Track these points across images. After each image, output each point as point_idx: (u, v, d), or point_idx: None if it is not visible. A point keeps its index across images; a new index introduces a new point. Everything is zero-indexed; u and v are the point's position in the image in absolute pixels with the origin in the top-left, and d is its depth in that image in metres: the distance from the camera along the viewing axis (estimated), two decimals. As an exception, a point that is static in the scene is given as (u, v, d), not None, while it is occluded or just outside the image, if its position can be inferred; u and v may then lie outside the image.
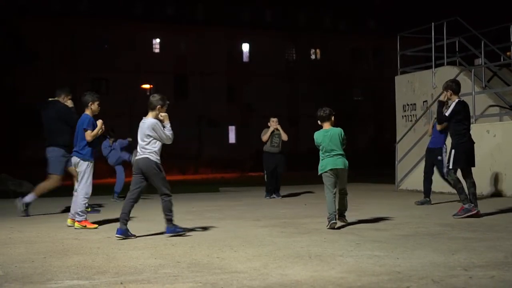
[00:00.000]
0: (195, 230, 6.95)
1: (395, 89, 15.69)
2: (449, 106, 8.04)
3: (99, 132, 7.71)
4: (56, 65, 42.45)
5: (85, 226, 7.41)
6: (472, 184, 8.03)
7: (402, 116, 15.29)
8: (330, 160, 7.00)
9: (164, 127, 6.58)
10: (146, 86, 38.74)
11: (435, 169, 10.09)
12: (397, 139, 14.78)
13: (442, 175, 9.88)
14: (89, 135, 7.56)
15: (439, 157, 9.94)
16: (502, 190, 11.20)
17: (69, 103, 9.19)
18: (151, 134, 6.52)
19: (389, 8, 50.88)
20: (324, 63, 50.69)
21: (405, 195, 12.09)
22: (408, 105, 15.06)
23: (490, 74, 14.00)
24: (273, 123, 11.78)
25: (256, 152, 41.13)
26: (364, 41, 51.67)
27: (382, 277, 4.14)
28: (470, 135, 8.15)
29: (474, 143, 8.18)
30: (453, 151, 8.01)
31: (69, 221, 7.68)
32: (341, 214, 7.16)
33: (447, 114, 7.99)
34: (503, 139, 11.43)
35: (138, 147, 6.66)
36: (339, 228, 6.89)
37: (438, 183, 12.88)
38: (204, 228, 7.15)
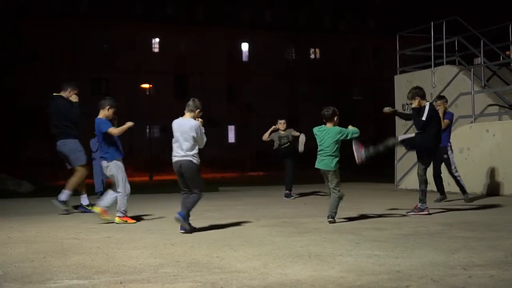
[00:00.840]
0: (194, 230, 6.95)
1: (395, 89, 15.69)
2: (423, 111, 8.18)
3: (127, 127, 7.77)
4: (56, 65, 42.44)
5: (126, 221, 7.67)
6: (423, 181, 8.33)
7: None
8: (318, 159, 7.29)
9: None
10: (146, 86, 38.74)
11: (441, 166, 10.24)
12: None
13: (450, 172, 10.16)
14: (113, 130, 7.63)
15: (445, 156, 10.06)
16: (502, 189, 11.21)
17: (74, 98, 9.22)
18: (194, 135, 6.71)
19: (389, 8, 50.88)
20: (324, 63, 50.67)
21: (404, 194, 12.09)
22: (407, 104, 15.04)
23: (489, 73, 14.00)
24: (280, 125, 11.77)
25: (256, 152, 41.24)
26: (364, 41, 51.67)
27: (382, 276, 4.15)
28: (440, 135, 8.47)
29: (437, 145, 8.54)
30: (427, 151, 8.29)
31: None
32: (329, 216, 7.24)
33: (423, 118, 8.18)
34: (502, 138, 11.43)
35: (176, 147, 6.78)
36: (337, 222, 6.91)
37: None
38: (204, 228, 7.15)
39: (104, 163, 7.74)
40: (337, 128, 7.25)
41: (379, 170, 19.83)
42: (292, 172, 11.74)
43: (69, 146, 9.08)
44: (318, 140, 7.29)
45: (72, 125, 9.09)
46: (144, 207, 10.56)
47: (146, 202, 12.07)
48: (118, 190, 7.69)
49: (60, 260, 5.08)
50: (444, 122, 9.95)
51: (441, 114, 10.02)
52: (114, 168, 7.69)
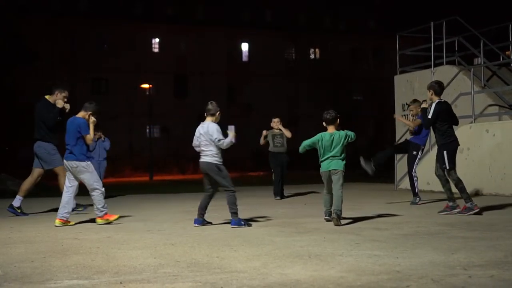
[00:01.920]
0: (194, 230, 6.96)
1: (395, 89, 15.70)
2: (430, 108, 8.17)
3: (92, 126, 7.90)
4: (56, 65, 42.45)
5: (108, 219, 7.70)
6: (459, 181, 8.09)
7: (402, 116, 15.27)
8: (326, 163, 7.30)
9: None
10: (146, 86, 38.74)
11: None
12: (397, 138, 14.79)
13: (409, 170, 9.87)
14: (89, 138, 7.77)
15: (414, 152, 9.83)
16: (502, 189, 11.21)
17: (59, 103, 9.02)
18: (216, 136, 7.19)
19: (389, 8, 50.89)
20: (324, 63, 50.70)
21: (404, 194, 12.09)
22: (407, 104, 15.04)
23: (489, 74, 14.01)
24: (275, 124, 11.76)
25: (255, 152, 41.23)
26: (364, 41, 51.68)
27: (382, 276, 4.15)
28: (455, 135, 8.30)
29: (459, 144, 8.32)
30: (444, 152, 8.07)
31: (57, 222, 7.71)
32: (335, 214, 7.19)
33: (429, 116, 8.15)
34: (502, 138, 11.43)
35: (201, 151, 7.32)
36: (336, 223, 6.91)
37: (436, 183, 12.89)
38: (204, 228, 7.15)
39: (75, 163, 7.71)
40: (342, 132, 7.33)
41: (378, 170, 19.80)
42: (283, 173, 11.68)
43: (41, 150, 9.05)
44: (327, 143, 7.23)
45: (46, 128, 9.00)
46: (144, 207, 10.57)
47: (146, 202, 12.08)
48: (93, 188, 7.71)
49: (60, 260, 5.08)
50: (416, 121, 9.81)
51: (411, 118, 10.01)
52: (84, 169, 7.71)
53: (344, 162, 7.28)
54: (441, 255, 4.89)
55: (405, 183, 13.66)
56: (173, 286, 4.02)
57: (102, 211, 7.72)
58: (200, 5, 48.05)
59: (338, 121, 7.40)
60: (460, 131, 12.47)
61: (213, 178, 7.28)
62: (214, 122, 7.31)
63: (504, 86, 13.41)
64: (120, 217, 8.00)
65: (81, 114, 7.87)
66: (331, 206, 7.37)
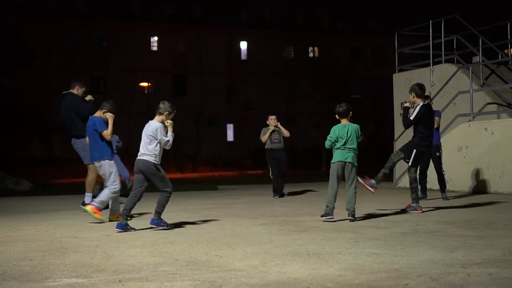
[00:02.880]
0: (193, 228, 6.96)
1: (393, 87, 15.70)
2: (414, 110, 8.27)
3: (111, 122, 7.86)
4: (55, 64, 42.41)
5: (95, 213, 7.60)
6: (415, 181, 8.34)
7: (400, 114, 15.26)
8: (341, 153, 7.26)
9: (166, 132, 6.88)
10: (144, 84, 38.74)
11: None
12: (395, 137, 14.79)
13: (437, 170, 10.29)
14: (106, 134, 7.77)
15: (437, 153, 10.15)
16: (500, 188, 11.21)
17: (89, 97, 9.31)
18: (153, 135, 6.78)
19: (388, 6, 50.89)
20: (323, 61, 50.65)
21: (403, 193, 12.09)
22: (406, 103, 15.05)
23: (488, 72, 14.01)
24: (271, 121, 11.72)
25: (254, 150, 41.23)
26: (363, 39, 51.67)
27: (381, 274, 4.15)
28: (431, 140, 8.49)
29: (430, 151, 8.68)
30: (414, 150, 8.27)
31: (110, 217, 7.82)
32: (349, 214, 7.27)
33: (412, 118, 8.31)
34: (501, 136, 11.44)
35: (140, 148, 6.92)
36: (335, 221, 6.91)
37: (434, 181, 12.89)
38: (203, 226, 7.15)
39: (96, 163, 7.85)
40: (356, 125, 7.38)
41: (378, 168, 19.81)
42: (280, 171, 11.66)
43: (78, 146, 9.16)
44: (343, 136, 7.24)
45: (80, 122, 9.08)
46: (142, 206, 10.56)
47: (145, 200, 12.05)
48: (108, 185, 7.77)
49: (59, 259, 5.08)
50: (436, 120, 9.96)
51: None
52: (107, 167, 7.78)
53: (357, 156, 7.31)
54: (440, 253, 4.90)
55: (403, 182, 13.68)
56: (172, 285, 4.02)
57: (97, 204, 7.70)
58: (199, 4, 48.02)
59: (350, 114, 7.43)
60: (459, 129, 12.49)
61: (148, 179, 6.84)
62: (160, 122, 6.93)
63: (503, 84, 13.41)
64: (102, 221, 7.76)
65: (97, 113, 7.96)
66: (335, 202, 7.31)
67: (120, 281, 4.16)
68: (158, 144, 6.82)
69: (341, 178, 7.37)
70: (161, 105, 7.00)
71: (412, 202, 8.23)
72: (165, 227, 6.84)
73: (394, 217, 7.73)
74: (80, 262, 4.91)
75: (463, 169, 12.06)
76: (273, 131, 11.66)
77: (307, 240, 5.81)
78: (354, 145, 7.29)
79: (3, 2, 37.87)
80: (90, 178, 9.08)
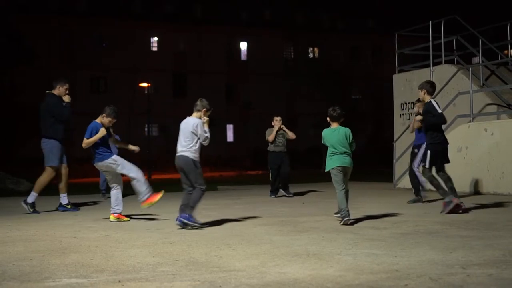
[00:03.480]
0: (193, 229, 6.95)
1: (393, 88, 15.70)
2: (428, 108, 8.21)
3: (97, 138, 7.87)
4: (55, 64, 42.40)
5: (119, 219, 7.82)
6: (448, 179, 8.24)
7: (400, 115, 15.30)
8: (339, 157, 7.16)
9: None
10: (145, 84, 38.73)
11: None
12: (395, 137, 14.79)
13: (412, 166, 10.02)
14: (84, 142, 7.82)
15: (416, 150, 9.93)
16: (500, 188, 11.22)
17: (66, 98, 9.16)
18: (194, 131, 6.93)
19: (388, 6, 50.90)
20: (323, 61, 50.63)
21: (403, 193, 12.10)
22: (406, 103, 15.08)
23: (488, 73, 14.01)
24: (277, 122, 11.73)
25: (254, 150, 41.23)
26: (363, 39, 51.69)
27: (380, 275, 4.15)
28: (444, 135, 8.41)
29: (448, 143, 8.45)
30: (428, 152, 8.23)
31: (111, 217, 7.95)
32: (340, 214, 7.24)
33: (439, 111, 8.20)
34: (501, 137, 11.44)
35: (178, 145, 7.05)
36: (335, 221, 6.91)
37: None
38: (202, 227, 7.15)
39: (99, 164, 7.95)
40: (346, 128, 7.24)
41: (378, 169, 19.83)
42: (286, 172, 11.67)
43: (45, 146, 9.16)
44: (333, 141, 7.16)
45: (59, 124, 9.07)
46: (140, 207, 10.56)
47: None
48: (131, 175, 7.88)
49: (58, 259, 5.08)
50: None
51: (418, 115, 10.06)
52: (111, 165, 7.90)
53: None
54: (440, 254, 4.90)
55: (403, 182, 13.69)
56: (171, 285, 4.02)
57: (116, 209, 7.90)
58: (199, 3, 48.03)
59: (342, 119, 7.35)
60: (459, 130, 12.49)
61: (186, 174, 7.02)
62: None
63: (503, 85, 13.42)
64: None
65: (98, 118, 8.03)
66: (347, 203, 7.19)
67: (119, 281, 4.16)
68: (198, 140, 6.95)
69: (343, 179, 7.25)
70: (198, 102, 7.13)
71: (445, 199, 8.06)
72: (195, 225, 6.87)
73: (393, 217, 7.73)
74: (80, 262, 4.91)
75: (463, 169, 12.05)
76: (278, 133, 11.64)
77: (307, 241, 5.81)
78: (347, 148, 7.16)
79: (4, 2, 37.87)
80: (42, 179, 9.12)
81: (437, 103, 8.28)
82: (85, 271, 4.53)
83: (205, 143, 6.99)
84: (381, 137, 41.89)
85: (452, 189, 8.17)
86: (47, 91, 9.38)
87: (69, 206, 9.46)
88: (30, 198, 9.22)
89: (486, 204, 9.32)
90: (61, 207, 9.45)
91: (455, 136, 12.44)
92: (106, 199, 12.20)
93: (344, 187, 7.20)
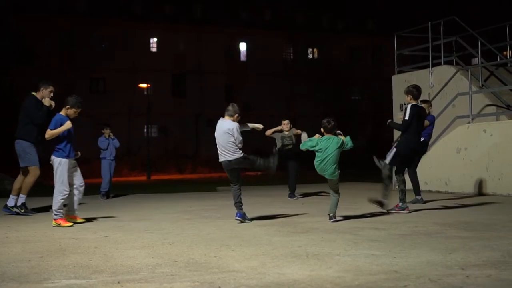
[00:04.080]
0: (192, 230, 6.95)
1: (393, 89, 15.71)
2: (405, 111, 8.29)
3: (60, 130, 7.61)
4: (54, 64, 42.38)
5: (59, 224, 7.47)
6: (402, 181, 8.43)
7: (398, 116, 15.29)
8: (322, 166, 7.33)
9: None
10: (144, 85, 38.72)
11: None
12: (394, 138, 14.79)
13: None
14: (47, 133, 7.58)
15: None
16: (499, 189, 11.22)
17: (46, 102, 8.95)
18: (231, 134, 7.48)
19: (387, 7, 50.93)
20: (322, 62, 50.67)
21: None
22: (405, 104, 15.06)
23: (487, 74, 14.02)
24: (284, 126, 11.72)
25: (254, 151, 41.17)
26: (362, 40, 51.69)
27: (380, 276, 4.15)
28: (418, 138, 8.51)
29: (416, 148, 8.57)
30: (394, 150, 8.37)
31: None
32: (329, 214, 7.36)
33: (406, 118, 8.28)
34: (500, 138, 11.45)
35: (220, 148, 7.61)
36: (335, 221, 6.91)
37: (433, 182, 12.93)
38: (202, 228, 7.15)
39: (52, 157, 7.67)
40: (337, 138, 7.38)
41: (377, 170, 19.77)
42: (295, 174, 11.69)
43: (19, 147, 9.03)
44: (323, 144, 7.30)
45: (33, 126, 8.93)
46: (141, 207, 10.57)
47: (144, 202, 12.07)
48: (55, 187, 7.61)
49: (57, 260, 5.08)
50: (425, 123, 9.95)
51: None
52: (56, 164, 7.60)
53: (337, 166, 7.33)
54: (439, 255, 4.90)
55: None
56: (171, 286, 4.01)
57: (58, 214, 7.59)
58: (199, 4, 48.04)
59: (336, 131, 7.45)
60: (458, 131, 12.50)
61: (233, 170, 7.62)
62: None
63: (502, 86, 13.43)
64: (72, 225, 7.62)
65: (63, 111, 7.76)
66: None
67: (118, 282, 4.16)
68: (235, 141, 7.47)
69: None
70: (230, 108, 7.63)
71: (379, 198, 8.25)
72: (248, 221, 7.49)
73: (393, 218, 7.73)
74: (79, 263, 4.90)
75: (462, 170, 12.06)
76: (285, 136, 11.60)
77: (306, 242, 5.81)
78: (332, 157, 7.26)
79: (3, 2, 37.86)
80: (29, 180, 8.96)
81: (412, 110, 8.23)
82: (84, 272, 4.52)
83: (240, 146, 7.56)
84: (380, 138, 41.90)
85: (402, 191, 8.36)
86: (31, 92, 9.20)
87: (14, 209, 9.10)
88: (20, 201, 9.08)
89: (485, 205, 9.33)
90: (5, 209, 9.12)
91: (454, 137, 12.45)
92: (104, 200, 12.20)
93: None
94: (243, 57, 50.30)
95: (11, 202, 9.15)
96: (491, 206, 9.17)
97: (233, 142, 7.51)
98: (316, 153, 7.40)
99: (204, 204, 10.82)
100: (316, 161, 7.40)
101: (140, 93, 42.07)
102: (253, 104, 47.98)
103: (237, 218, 7.53)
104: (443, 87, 13.47)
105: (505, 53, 16.51)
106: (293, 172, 11.68)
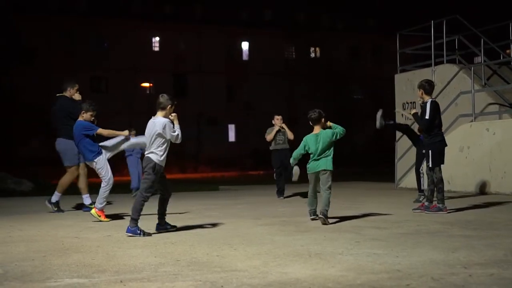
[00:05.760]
0: (194, 229, 6.96)
1: (395, 88, 15.69)
2: (424, 107, 8.10)
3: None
4: (55, 64, 42.43)
5: (99, 216, 7.87)
6: (441, 181, 8.15)
7: (402, 115, 15.27)
8: (314, 164, 7.29)
9: (173, 126, 6.61)
10: (146, 84, 38.73)
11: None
12: (397, 137, 14.78)
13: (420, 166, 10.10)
14: (102, 131, 8.03)
15: (424, 150, 9.95)
16: (502, 188, 11.21)
17: (77, 96, 9.35)
18: (161, 132, 6.47)
19: (389, 6, 50.87)
20: (323, 61, 50.66)
21: (404, 193, 12.10)
22: (407, 103, 15.06)
23: (489, 72, 14.00)
24: (277, 121, 11.71)
25: (255, 150, 41.19)
26: (364, 39, 51.66)
27: (382, 275, 4.15)
28: (442, 134, 8.32)
29: (446, 145, 8.33)
30: (430, 151, 8.14)
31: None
32: (321, 214, 7.14)
33: (427, 116, 8.07)
34: (502, 137, 11.43)
35: (147, 145, 6.63)
36: (334, 223, 6.91)
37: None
38: (204, 227, 7.15)
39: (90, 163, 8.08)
40: (329, 131, 7.29)
41: (379, 169, 19.80)
42: (284, 174, 11.59)
43: (62, 147, 9.23)
44: (314, 148, 7.23)
45: (72, 123, 9.12)
46: (143, 206, 10.55)
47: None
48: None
49: (60, 259, 5.08)
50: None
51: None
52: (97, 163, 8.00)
53: (332, 160, 7.24)
54: (441, 254, 4.89)
55: (406, 182, 13.68)
56: (173, 285, 4.02)
57: (100, 205, 7.97)
58: (199, 3, 48.05)
59: (323, 120, 7.33)
60: (460, 130, 12.48)
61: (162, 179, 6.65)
62: (165, 117, 6.58)
63: (505, 85, 13.41)
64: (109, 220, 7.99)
65: (80, 116, 8.18)
66: (315, 205, 7.49)
67: (121, 281, 4.16)
68: (164, 142, 6.50)
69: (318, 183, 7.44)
70: (161, 99, 6.58)
71: (438, 203, 8.04)
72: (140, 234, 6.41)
73: (395, 217, 7.72)
74: (82, 262, 4.91)
75: (464, 169, 12.05)
76: (279, 131, 11.61)
77: (309, 241, 5.81)
78: (328, 152, 7.22)
79: (4, 2, 37.91)
80: (67, 179, 9.27)
81: (433, 107, 8.07)
82: (87, 271, 4.53)
83: (178, 141, 6.58)
84: (381, 137, 41.87)
85: (432, 191, 8.22)
86: (58, 94, 9.49)
87: (92, 206, 9.32)
88: (54, 198, 9.29)
89: (487, 203, 9.32)
90: (85, 208, 9.31)
91: (456, 135, 12.43)
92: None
93: (314, 192, 7.49)
94: (244, 56, 50.32)
95: (87, 200, 9.36)
96: (493, 205, 9.16)
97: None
98: (312, 156, 7.30)
99: (206, 204, 10.82)
100: (310, 162, 7.31)
101: (141, 92, 42.09)
102: (253, 103, 48.03)
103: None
104: (446, 85, 13.45)
105: (508, 51, 16.49)
106: (283, 170, 11.50)
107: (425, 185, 9.92)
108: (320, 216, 7.12)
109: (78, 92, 9.45)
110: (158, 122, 6.51)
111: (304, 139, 7.37)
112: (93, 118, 8.22)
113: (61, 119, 9.23)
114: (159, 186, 6.69)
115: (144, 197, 6.52)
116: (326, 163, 7.22)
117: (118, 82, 44.76)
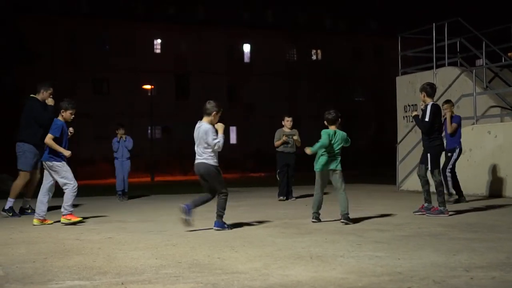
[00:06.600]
0: (195, 231, 6.95)
1: (396, 90, 15.68)
2: (425, 110, 8.12)
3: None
4: (57, 65, 42.46)
5: (70, 220, 7.75)
6: (440, 184, 8.17)
7: (404, 117, 15.27)
8: (327, 160, 7.33)
9: (216, 134, 6.87)
10: (148, 86, 38.74)
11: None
12: (398, 139, 14.78)
13: (444, 169, 10.01)
14: (49, 138, 7.79)
15: (449, 154, 10.02)
16: (503, 191, 11.20)
17: (50, 101, 8.96)
18: (203, 137, 6.83)
19: (390, 8, 50.90)
20: (325, 63, 50.66)
21: (406, 195, 12.08)
22: (409, 105, 15.06)
23: (491, 75, 13.99)
24: (287, 123, 11.68)
25: (256, 152, 41.19)
26: (365, 41, 51.66)
27: (383, 277, 4.14)
28: (441, 138, 8.36)
29: (444, 149, 8.45)
30: (428, 154, 8.16)
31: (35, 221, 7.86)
32: (343, 217, 7.29)
33: (427, 119, 8.09)
34: (504, 139, 11.43)
35: (196, 151, 7.00)
36: (334, 221, 6.90)
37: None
38: (205, 229, 7.15)
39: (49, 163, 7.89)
40: (344, 132, 7.44)
41: (380, 171, 19.77)
42: (288, 179, 11.58)
43: (18, 150, 9.10)
44: (333, 140, 7.32)
45: (34, 126, 8.91)
46: (145, 208, 10.58)
47: (147, 203, 12.08)
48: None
49: (61, 261, 5.08)
50: (452, 126, 10.04)
51: (448, 118, 10.08)
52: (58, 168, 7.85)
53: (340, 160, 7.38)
54: (443, 257, 4.89)
55: (407, 185, 13.67)
56: (174, 287, 4.02)
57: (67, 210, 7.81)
58: (201, 5, 48.09)
59: (339, 121, 7.46)
60: (462, 132, 12.46)
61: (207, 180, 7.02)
62: (209, 123, 6.88)
63: (506, 88, 13.40)
64: (82, 220, 7.94)
65: (59, 117, 7.99)
66: (319, 208, 7.53)
67: (122, 283, 4.16)
68: (210, 147, 6.84)
69: (327, 184, 7.51)
70: (207, 105, 6.91)
71: (440, 206, 8.02)
72: (228, 229, 6.96)
73: (397, 220, 7.72)
74: (83, 264, 4.91)
75: (466, 172, 12.03)
76: (286, 134, 11.53)
77: (310, 243, 5.80)
78: (338, 151, 7.37)
79: (6, 2, 37.94)
80: (19, 184, 9.08)
81: (433, 110, 8.08)
82: (88, 273, 4.53)
83: (216, 148, 6.84)
84: (383, 139, 41.84)
85: (428, 192, 8.24)
86: (31, 95, 9.17)
87: (10, 214, 9.08)
88: (7, 205, 9.07)
89: (489, 206, 9.31)
90: (3, 211, 9.09)
91: (458, 138, 12.42)
92: (122, 201, 12.16)
93: (322, 192, 7.51)
94: (246, 57, 50.31)
95: (9, 203, 9.11)
96: (495, 207, 9.15)
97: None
98: (323, 152, 7.33)
99: (207, 205, 10.79)
100: (321, 159, 7.32)
101: (143, 94, 42.12)
102: (255, 104, 48.03)
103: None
104: (447, 88, 13.45)
105: (509, 54, 16.51)
106: (290, 173, 11.52)
107: (450, 186, 9.99)
108: (342, 220, 7.27)
109: (51, 96, 9.01)
110: (201, 128, 6.87)
111: (324, 132, 7.39)
112: (73, 116, 7.96)
113: (25, 120, 8.96)
114: (207, 188, 7.09)
115: (224, 194, 7.04)
116: (336, 162, 7.34)
117: (120, 84, 44.77)
